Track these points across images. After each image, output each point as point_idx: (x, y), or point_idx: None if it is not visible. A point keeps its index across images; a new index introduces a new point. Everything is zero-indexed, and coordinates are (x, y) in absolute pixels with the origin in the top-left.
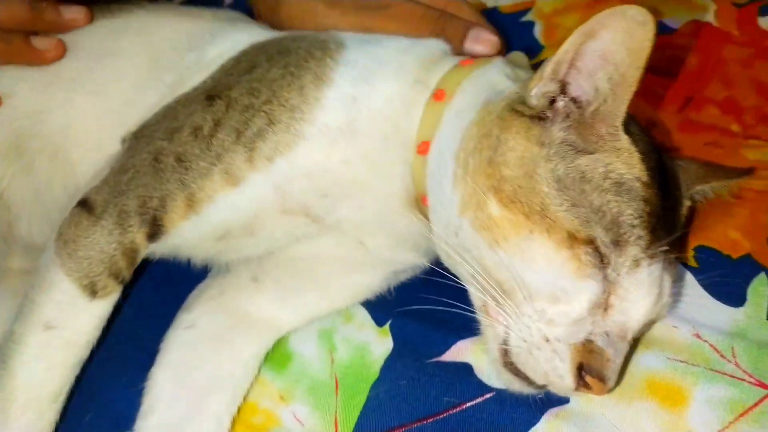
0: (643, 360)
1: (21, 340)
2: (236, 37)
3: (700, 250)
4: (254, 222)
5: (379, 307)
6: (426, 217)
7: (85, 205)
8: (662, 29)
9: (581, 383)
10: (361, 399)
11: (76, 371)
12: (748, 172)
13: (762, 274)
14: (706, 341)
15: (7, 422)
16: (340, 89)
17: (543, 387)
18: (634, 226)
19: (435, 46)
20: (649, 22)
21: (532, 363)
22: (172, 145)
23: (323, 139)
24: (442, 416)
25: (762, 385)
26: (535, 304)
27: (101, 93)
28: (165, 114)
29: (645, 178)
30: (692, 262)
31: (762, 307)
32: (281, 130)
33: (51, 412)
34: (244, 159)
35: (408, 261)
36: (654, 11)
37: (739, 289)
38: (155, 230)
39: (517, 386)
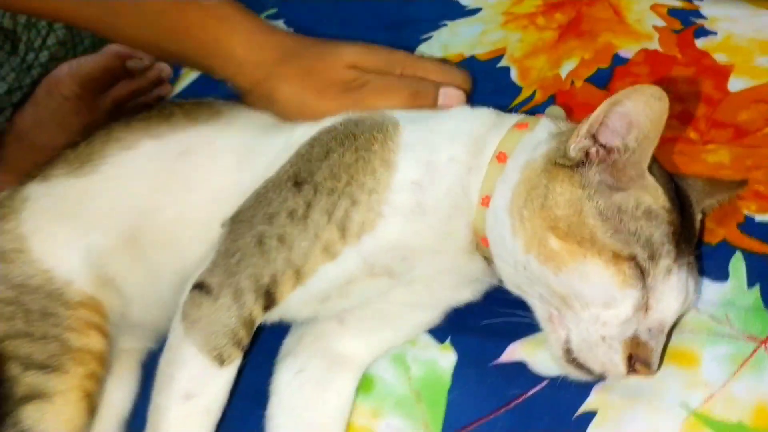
0: None
1: (166, 412)
2: None
3: None
4: (348, 286)
5: (437, 328)
6: (486, 255)
7: (202, 288)
8: (618, 61)
9: (631, 370)
10: (442, 404)
11: (214, 429)
12: (742, 183)
13: (737, 253)
14: (705, 312)
15: None
16: (405, 174)
17: (601, 375)
18: (663, 243)
19: (486, 114)
20: (664, 98)
21: (592, 357)
22: (272, 228)
23: (398, 217)
24: (511, 406)
25: (753, 339)
26: (591, 311)
27: (207, 186)
28: (258, 199)
29: (668, 206)
30: None
31: (742, 279)
32: (363, 210)
33: None
34: (338, 237)
35: (465, 298)
36: (609, 46)
37: (722, 268)
38: (268, 303)
39: (577, 375)
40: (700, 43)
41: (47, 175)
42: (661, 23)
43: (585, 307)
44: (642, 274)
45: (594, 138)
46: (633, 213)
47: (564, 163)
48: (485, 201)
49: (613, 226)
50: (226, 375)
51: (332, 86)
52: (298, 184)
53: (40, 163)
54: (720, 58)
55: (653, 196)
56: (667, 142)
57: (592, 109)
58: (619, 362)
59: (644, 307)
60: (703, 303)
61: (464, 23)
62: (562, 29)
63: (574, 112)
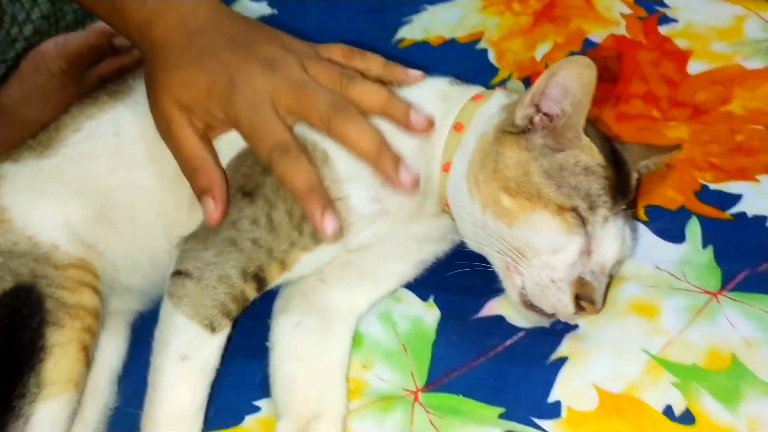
0: (625, 290)
1: (164, 371)
2: None
3: (648, 207)
4: (329, 261)
5: (421, 288)
6: (451, 216)
7: (181, 273)
8: (589, 45)
9: (578, 308)
10: (427, 355)
11: (209, 390)
12: (676, 147)
13: (693, 218)
14: (664, 270)
15: None
16: (362, 195)
17: (552, 315)
18: (600, 195)
19: (445, 85)
20: (592, 66)
21: (544, 299)
22: (240, 233)
23: (368, 220)
24: (490, 355)
25: (707, 292)
26: (542, 258)
27: (148, 164)
28: None
29: (603, 163)
30: (644, 217)
31: (697, 240)
32: None
33: (198, 422)
34: (312, 242)
35: (436, 252)
36: (580, 31)
37: (680, 231)
38: (260, 285)
39: (534, 318)
40: (663, 29)
41: (17, 158)
42: (627, 11)
43: (536, 255)
44: (583, 222)
45: (537, 107)
46: (573, 170)
47: (512, 131)
48: (446, 167)
49: (557, 182)
50: (218, 340)
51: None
52: (247, 194)
53: (27, 138)
54: (681, 43)
55: (589, 155)
56: (632, 119)
57: None
58: (567, 302)
59: (587, 251)
60: (662, 261)
61: (444, 8)
62: (536, 15)
63: None
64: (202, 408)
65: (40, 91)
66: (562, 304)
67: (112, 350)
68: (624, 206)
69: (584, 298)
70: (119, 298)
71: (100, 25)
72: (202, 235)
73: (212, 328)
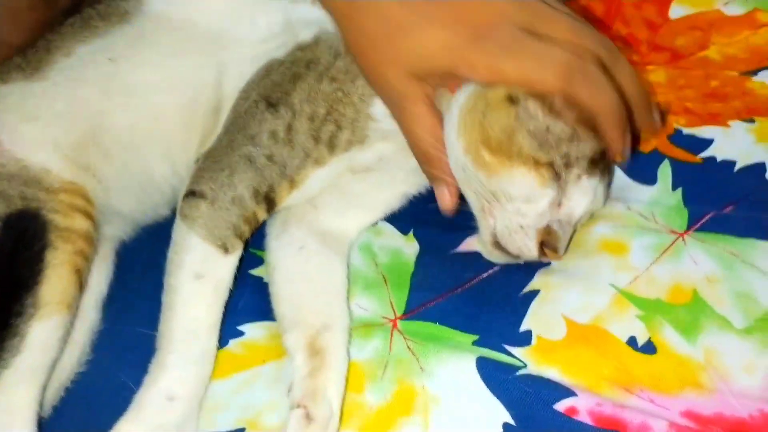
0: (597, 229)
1: (179, 289)
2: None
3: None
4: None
5: (401, 221)
6: None
7: (195, 194)
8: None
9: (542, 253)
10: (406, 285)
11: (222, 309)
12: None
13: (665, 161)
14: (635, 210)
15: (187, 350)
16: (383, 108)
17: (518, 257)
18: (578, 158)
19: None
20: None
21: (511, 242)
22: (257, 148)
23: (380, 134)
24: (466, 286)
25: (674, 232)
26: (514, 205)
27: (144, 90)
28: (234, 122)
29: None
30: None
31: (667, 182)
32: (348, 132)
33: (213, 339)
34: (327, 153)
35: (418, 184)
36: None
37: (652, 173)
38: (269, 206)
39: (500, 258)
40: None
41: (5, 77)
42: None
43: (509, 201)
44: (558, 177)
45: None
46: (559, 135)
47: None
48: (452, 87)
49: (539, 141)
50: (231, 261)
51: (487, 39)
52: (271, 105)
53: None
54: None
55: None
56: None
57: None
58: (532, 247)
59: (557, 203)
60: (633, 202)
61: None
62: None
63: None
64: (217, 325)
65: (7, 11)
66: (527, 249)
67: (99, 275)
68: (602, 171)
69: (548, 246)
70: (109, 224)
71: None
72: (218, 152)
73: (225, 249)
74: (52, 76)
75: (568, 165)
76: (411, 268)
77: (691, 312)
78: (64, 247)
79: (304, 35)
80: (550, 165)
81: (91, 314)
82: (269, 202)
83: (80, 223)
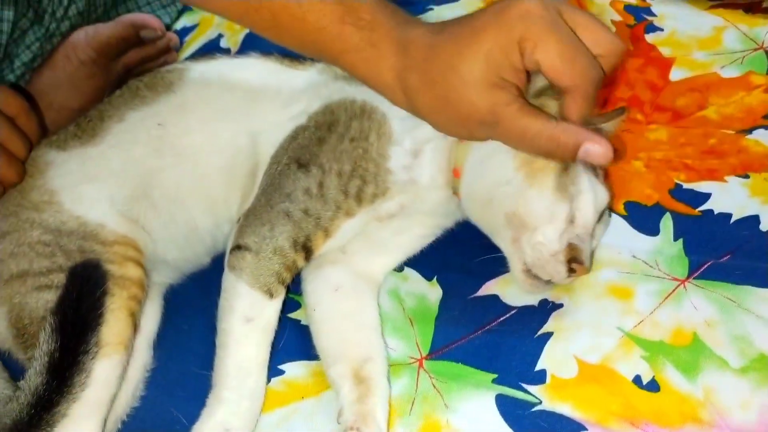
0: (604, 274)
1: (231, 332)
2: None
3: (627, 204)
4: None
5: (426, 268)
6: (456, 186)
7: (240, 248)
8: None
9: (571, 271)
10: (431, 328)
11: (270, 348)
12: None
13: (667, 214)
14: (639, 258)
15: (240, 386)
16: (398, 161)
17: (549, 282)
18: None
19: None
20: None
21: (543, 270)
22: (293, 204)
23: (399, 187)
24: (486, 328)
25: (676, 279)
26: (537, 237)
27: (191, 152)
28: (270, 184)
29: None
30: (623, 212)
31: (669, 233)
32: (373, 186)
33: (263, 375)
34: (355, 205)
35: (436, 226)
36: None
37: (654, 225)
38: (307, 254)
39: (534, 285)
40: (650, 37)
41: (64, 145)
42: (617, 18)
43: (536, 223)
44: (564, 186)
45: None
46: None
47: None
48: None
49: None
50: (276, 304)
51: (471, 121)
52: (302, 165)
53: (56, 122)
54: (665, 51)
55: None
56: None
57: None
58: (562, 270)
59: (571, 218)
60: (638, 251)
61: (449, 8)
62: None
63: None
64: (266, 363)
65: (69, 78)
66: (557, 273)
67: (149, 318)
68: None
69: (575, 261)
70: (156, 271)
71: (127, 17)
72: (258, 210)
73: (270, 294)
74: (108, 140)
75: (567, 166)
76: (435, 311)
77: (691, 353)
78: (120, 293)
79: (318, 102)
80: (564, 169)
81: (144, 353)
82: (307, 251)
83: (133, 271)
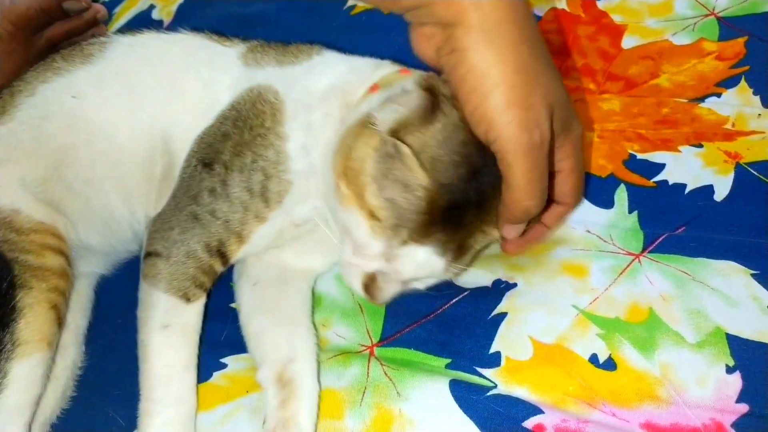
0: (558, 253)
1: (149, 342)
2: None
3: None
4: (280, 234)
5: None
6: None
7: (151, 255)
8: None
9: (368, 294)
10: (381, 314)
11: (196, 350)
12: None
13: (621, 185)
14: (594, 233)
15: (164, 396)
16: (296, 141)
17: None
18: (407, 218)
19: (356, 68)
20: None
21: (345, 274)
22: (200, 207)
23: (303, 178)
24: (438, 312)
25: (630, 254)
26: (352, 244)
27: (106, 126)
28: (179, 187)
29: (428, 185)
30: None
31: (624, 206)
32: (276, 181)
33: (189, 378)
34: (263, 206)
35: None
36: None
37: (609, 197)
38: (224, 260)
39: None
40: (601, 4)
41: None
42: None
43: (350, 238)
44: (388, 233)
45: None
46: (395, 180)
47: (369, 126)
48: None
49: (379, 186)
50: (195, 308)
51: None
52: (207, 165)
53: None
54: (616, 18)
55: (412, 171)
56: (571, 91)
57: None
58: (357, 286)
59: (387, 257)
60: (592, 225)
61: None
62: None
63: None
64: (190, 366)
65: None
66: (354, 286)
67: (77, 311)
68: (442, 236)
69: (368, 293)
70: (82, 259)
71: None
72: (167, 215)
73: (187, 299)
74: (18, 116)
75: (398, 225)
76: None
77: (648, 329)
78: (38, 285)
79: (227, 97)
80: (379, 221)
81: (72, 350)
82: (222, 256)
83: (52, 260)
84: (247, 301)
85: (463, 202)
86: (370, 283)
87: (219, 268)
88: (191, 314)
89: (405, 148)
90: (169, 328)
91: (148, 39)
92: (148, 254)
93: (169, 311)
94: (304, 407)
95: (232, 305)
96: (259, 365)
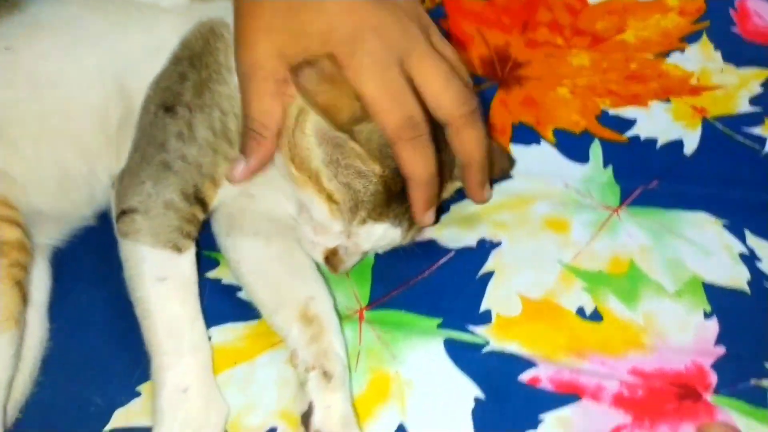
0: (538, 208)
1: (148, 296)
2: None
3: (556, 131)
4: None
5: None
6: None
7: (126, 212)
8: None
9: (328, 263)
10: (368, 277)
11: (199, 302)
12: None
13: (596, 141)
14: (572, 186)
15: (178, 346)
16: None
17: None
18: (363, 200)
19: None
20: None
21: (305, 247)
22: (170, 154)
23: None
24: (426, 273)
25: (608, 208)
26: (313, 221)
27: (47, 79)
28: (141, 138)
29: (380, 171)
30: (552, 139)
31: (599, 161)
32: (233, 118)
33: (198, 328)
34: (227, 146)
35: None
36: None
37: (584, 152)
38: (203, 206)
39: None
40: None
41: None
42: None
43: (310, 217)
44: (346, 214)
45: None
46: (347, 167)
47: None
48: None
49: (333, 172)
50: (188, 257)
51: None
52: (168, 109)
53: None
54: None
55: (362, 160)
56: (539, 46)
57: (477, 18)
58: (318, 258)
59: (347, 233)
60: (571, 180)
61: None
62: None
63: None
64: (197, 317)
65: None
66: (315, 257)
67: (38, 285)
68: (396, 213)
69: (329, 264)
70: (35, 227)
71: None
72: (134, 168)
73: (178, 249)
74: None
75: (356, 206)
76: (371, 260)
77: (630, 281)
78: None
79: (176, 35)
80: (338, 203)
81: (38, 327)
82: (201, 202)
83: (9, 233)
84: (250, 252)
85: None
86: (332, 257)
87: (200, 215)
88: (186, 265)
89: (354, 144)
90: (167, 281)
91: None
92: (123, 212)
93: (162, 264)
94: (335, 339)
95: (208, 275)
96: (276, 311)
